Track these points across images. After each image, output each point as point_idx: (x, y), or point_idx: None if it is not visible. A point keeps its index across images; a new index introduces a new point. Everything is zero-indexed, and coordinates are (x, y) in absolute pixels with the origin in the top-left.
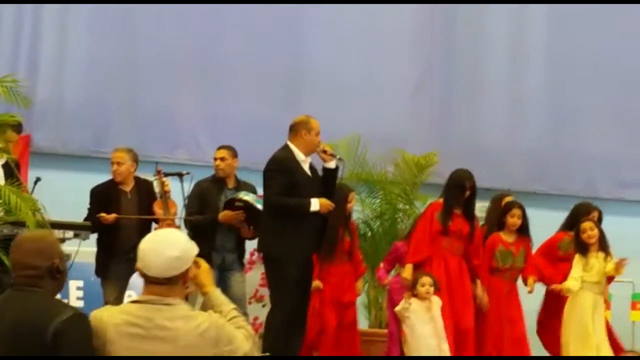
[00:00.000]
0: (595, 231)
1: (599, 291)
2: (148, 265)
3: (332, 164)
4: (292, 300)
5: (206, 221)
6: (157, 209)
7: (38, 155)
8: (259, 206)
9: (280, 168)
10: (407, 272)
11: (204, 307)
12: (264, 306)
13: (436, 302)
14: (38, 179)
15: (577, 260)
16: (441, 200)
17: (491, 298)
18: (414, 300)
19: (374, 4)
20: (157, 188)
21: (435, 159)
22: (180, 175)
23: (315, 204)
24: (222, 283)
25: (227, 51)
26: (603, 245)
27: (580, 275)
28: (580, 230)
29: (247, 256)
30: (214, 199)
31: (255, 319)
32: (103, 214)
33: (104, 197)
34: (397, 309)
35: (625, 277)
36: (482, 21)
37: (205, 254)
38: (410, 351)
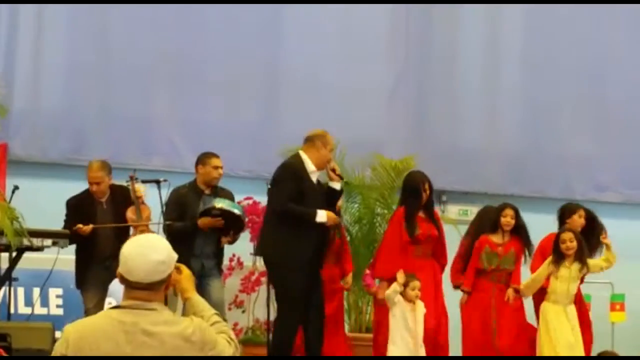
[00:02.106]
0: (574, 243)
1: (569, 301)
2: (131, 270)
3: (337, 185)
4: (299, 305)
5: (187, 228)
6: (131, 214)
7: (15, 164)
8: (236, 211)
9: (291, 175)
10: (400, 279)
11: (186, 313)
12: (243, 312)
13: (420, 307)
14: (16, 188)
15: (546, 265)
16: (402, 207)
17: (478, 300)
18: (403, 302)
19: (349, 3)
20: (132, 195)
21: (413, 163)
22: (157, 182)
23: (322, 216)
24: (201, 289)
25: (203, 56)
26: (580, 256)
27: (540, 279)
28: (560, 239)
29: (226, 262)
30: (192, 205)
31: (235, 324)
32: (80, 226)
33: (79, 208)
34: (387, 292)
35: (604, 279)
36: (458, 24)
37: (184, 260)
38: (390, 341)
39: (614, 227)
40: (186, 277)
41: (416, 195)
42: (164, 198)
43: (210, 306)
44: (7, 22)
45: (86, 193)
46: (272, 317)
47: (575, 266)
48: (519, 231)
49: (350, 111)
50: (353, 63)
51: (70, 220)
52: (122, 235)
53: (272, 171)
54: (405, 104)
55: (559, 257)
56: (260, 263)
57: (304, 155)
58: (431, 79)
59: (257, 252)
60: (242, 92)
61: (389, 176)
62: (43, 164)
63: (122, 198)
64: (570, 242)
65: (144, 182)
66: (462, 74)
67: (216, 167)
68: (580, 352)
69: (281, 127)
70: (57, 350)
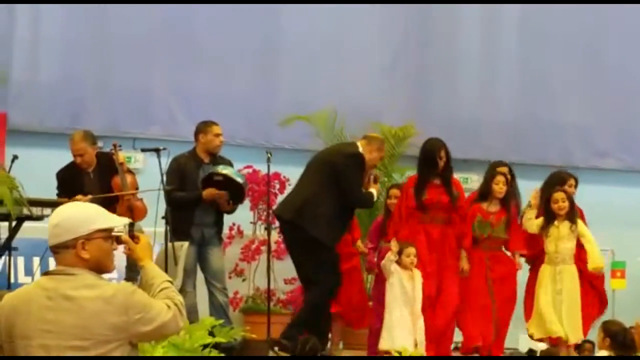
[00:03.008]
0: (567, 203)
1: (561, 260)
2: None
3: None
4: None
5: (190, 197)
6: (116, 183)
7: (14, 134)
8: (239, 179)
9: (362, 167)
10: (394, 248)
11: (141, 281)
12: (244, 280)
13: (418, 275)
14: (15, 157)
15: (536, 226)
16: (415, 175)
17: (473, 268)
18: (401, 270)
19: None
20: (116, 163)
21: (413, 130)
22: (157, 151)
23: (375, 194)
24: (201, 258)
25: (201, 26)
26: (571, 216)
27: (539, 223)
28: (552, 199)
29: (226, 231)
30: (192, 174)
31: (236, 293)
32: (63, 199)
33: (67, 180)
34: (382, 262)
35: (604, 246)
36: None
37: (185, 228)
38: (387, 310)
39: (614, 194)
40: (143, 246)
41: (430, 162)
42: (164, 166)
43: (164, 274)
44: None
45: (73, 164)
46: (273, 285)
47: (565, 224)
48: (506, 199)
49: (349, 80)
50: (352, 31)
51: (60, 193)
52: (111, 204)
53: (271, 139)
54: (405, 72)
55: (549, 218)
56: (260, 232)
57: (361, 150)
58: (430, 47)
59: (316, 234)
60: (240, 61)
61: (389, 144)
62: (42, 133)
63: (109, 166)
64: (562, 202)
65: (143, 150)
66: (461, 42)
67: (217, 135)
68: (567, 313)
69: (279, 95)
70: None
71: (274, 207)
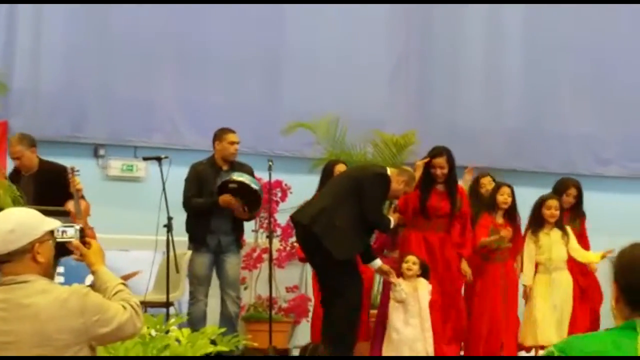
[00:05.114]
0: (558, 212)
1: (555, 267)
2: None
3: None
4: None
5: (207, 204)
6: (70, 207)
7: None
8: (254, 186)
9: (387, 189)
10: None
11: (94, 285)
12: (245, 288)
13: (422, 285)
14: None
15: (527, 241)
16: None
17: (486, 279)
18: (402, 281)
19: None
20: (72, 188)
21: (414, 138)
22: (158, 160)
23: (392, 222)
24: (217, 265)
25: (204, 35)
26: (560, 224)
27: (532, 263)
28: (545, 205)
29: None
30: (210, 181)
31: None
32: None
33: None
34: (391, 293)
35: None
36: (459, 3)
37: (200, 236)
38: (391, 326)
39: (617, 202)
40: (94, 251)
41: (427, 165)
42: (165, 175)
43: (117, 277)
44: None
45: (16, 167)
46: (274, 293)
47: (556, 232)
48: (511, 212)
49: (351, 89)
50: (355, 40)
51: None
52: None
53: (272, 147)
54: (407, 81)
55: (538, 224)
56: (261, 240)
57: (390, 177)
58: (432, 56)
59: (339, 255)
60: (243, 70)
61: (390, 152)
62: (43, 142)
63: (48, 176)
64: (555, 210)
65: (144, 159)
66: (464, 50)
67: (232, 143)
68: (562, 321)
69: (282, 104)
70: None
71: (276, 214)
